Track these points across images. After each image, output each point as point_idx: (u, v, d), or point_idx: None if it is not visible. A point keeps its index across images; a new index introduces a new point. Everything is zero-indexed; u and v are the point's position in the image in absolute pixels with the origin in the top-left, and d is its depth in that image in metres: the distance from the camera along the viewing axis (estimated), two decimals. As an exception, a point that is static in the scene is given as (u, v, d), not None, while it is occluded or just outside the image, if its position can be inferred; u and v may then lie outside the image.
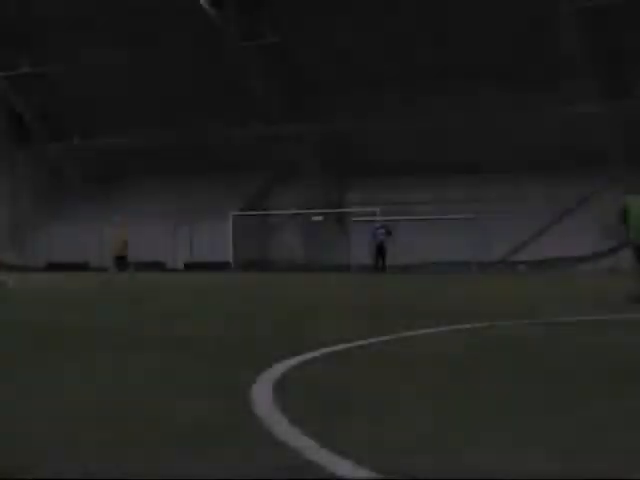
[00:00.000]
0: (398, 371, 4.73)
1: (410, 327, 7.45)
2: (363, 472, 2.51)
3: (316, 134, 38.06)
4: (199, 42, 35.25)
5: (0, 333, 7.39)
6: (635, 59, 31.77)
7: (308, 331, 7.30)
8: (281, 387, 4.12)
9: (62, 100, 42.81)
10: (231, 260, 36.21)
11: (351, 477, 2.48)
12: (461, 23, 32.00)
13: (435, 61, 34.61)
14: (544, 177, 35.56)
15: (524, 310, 10.18)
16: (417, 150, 38.21)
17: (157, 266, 40.07)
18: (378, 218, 32.44)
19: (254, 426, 3.19)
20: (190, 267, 39.47)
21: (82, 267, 40.37)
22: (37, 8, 37.15)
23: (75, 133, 42.00)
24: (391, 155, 38.50)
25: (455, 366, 4.91)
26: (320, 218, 39.46)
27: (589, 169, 34.69)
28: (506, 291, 16.68)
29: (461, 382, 4.30)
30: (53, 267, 41.41)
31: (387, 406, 3.62)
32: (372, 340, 6.39)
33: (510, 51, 33.40)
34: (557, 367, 4.93)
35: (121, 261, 22.50)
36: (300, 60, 36.96)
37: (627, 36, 31.13)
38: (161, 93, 40.32)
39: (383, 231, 29.51)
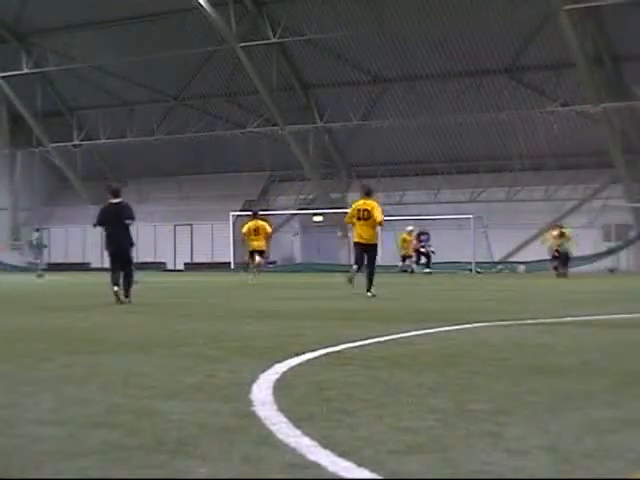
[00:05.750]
0: (399, 371, 4.73)
1: (411, 327, 7.45)
2: (364, 472, 2.51)
3: (316, 134, 38.05)
4: (199, 42, 35.23)
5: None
6: (634, 60, 31.77)
7: (308, 331, 7.30)
8: (282, 387, 4.12)
9: (62, 100, 42.82)
10: (231, 260, 36.16)
11: (352, 477, 2.48)
12: (462, 24, 31.98)
13: (436, 62, 34.63)
14: (544, 177, 35.56)
15: (523, 310, 10.18)
16: (417, 150, 38.22)
17: (157, 266, 40.07)
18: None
19: (254, 426, 3.19)
20: (190, 267, 39.49)
21: (83, 267, 40.38)
22: (37, 8, 37.14)
23: (75, 133, 41.99)
24: (391, 155, 38.51)
25: (456, 366, 4.91)
26: (320, 218, 39.44)
27: (589, 169, 34.70)
28: (507, 291, 16.69)
29: (462, 381, 4.29)
30: (53, 267, 41.36)
31: (388, 406, 3.62)
32: (373, 340, 6.40)
33: (510, 52, 33.41)
34: (558, 366, 4.93)
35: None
36: (300, 60, 36.96)
37: (627, 37, 31.13)
38: (161, 93, 40.33)
39: (427, 237, 30.81)
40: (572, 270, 26.72)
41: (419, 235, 30.50)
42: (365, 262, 13.77)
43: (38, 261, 28.84)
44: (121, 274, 11.98)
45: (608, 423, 3.24)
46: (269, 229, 20.11)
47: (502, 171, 36.61)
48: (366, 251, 13.75)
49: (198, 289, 18.32)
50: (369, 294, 13.20)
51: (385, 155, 38.45)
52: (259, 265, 19.98)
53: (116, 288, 11.73)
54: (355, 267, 13.97)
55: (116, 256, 12.15)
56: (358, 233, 13.78)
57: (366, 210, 13.66)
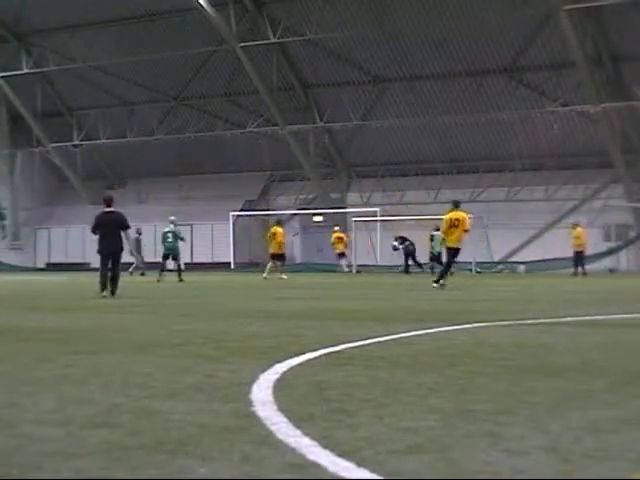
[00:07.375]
0: (399, 371, 4.73)
1: (411, 327, 7.45)
2: (364, 472, 2.51)
3: (316, 134, 38.03)
4: (199, 42, 35.22)
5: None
6: (634, 60, 31.75)
7: (308, 331, 7.30)
8: (282, 387, 4.12)
9: (62, 100, 42.81)
10: (231, 260, 36.15)
11: (352, 477, 2.48)
12: (462, 24, 31.95)
13: (436, 62, 34.62)
14: (544, 177, 35.55)
15: (523, 310, 10.18)
16: (417, 150, 38.21)
17: (157, 266, 40.00)
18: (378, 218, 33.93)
19: (254, 426, 3.19)
20: (190, 267, 39.44)
21: (83, 268, 40.30)
22: (37, 8, 37.12)
23: (75, 133, 41.97)
24: (391, 155, 38.51)
25: (456, 366, 4.91)
26: (320, 218, 39.43)
27: (589, 169, 34.70)
28: (507, 291, 16.69)
29: (462, 381, 4.29)
30: (52, 267, 41.39)
31: (388, 406, 3.62)
32: (373, 340, 6.40)
33: (510, 52, 33.40)
34: (558, 366, 4.93)
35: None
36: (300, 60, 36.95)
37: (627, 37, 31.12)
38: (161, 93, 40.32)
39: (403, 242, 31.56)
40: (570, 270, 26.74)
41: (403, 241, 31.40)
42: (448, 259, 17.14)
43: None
44: (109, 276, 13.91)
45: (608, 423, 3.24)
46: (281, 237, 25.26)
47: (502, 171, 36.60)
48: (453, 251, 16.77)
49: (198, 289, 18.32)
50: (434, 286, 16.55)
51: (385, 155, 38.44)
52: (276, 266, 25.11)
53: (104, 294, 13.65)
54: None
55: (108, 258, 14.07)
56: (452, 239, 16.65)
57: (457, 220, 16.53)
